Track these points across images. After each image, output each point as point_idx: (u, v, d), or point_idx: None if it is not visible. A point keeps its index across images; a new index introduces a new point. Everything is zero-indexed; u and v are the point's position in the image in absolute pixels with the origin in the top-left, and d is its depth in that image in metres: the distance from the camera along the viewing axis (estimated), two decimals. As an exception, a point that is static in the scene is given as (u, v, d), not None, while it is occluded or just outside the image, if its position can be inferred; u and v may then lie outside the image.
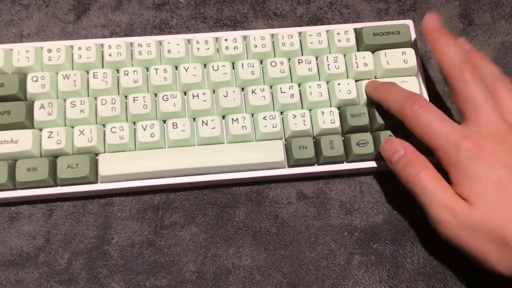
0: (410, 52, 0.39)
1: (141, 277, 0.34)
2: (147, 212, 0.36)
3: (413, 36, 0.40)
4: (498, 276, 0.29)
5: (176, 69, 0.38)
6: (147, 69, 0.38)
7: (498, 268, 0.29)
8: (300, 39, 0.39)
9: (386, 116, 0.37)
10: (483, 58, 0.36)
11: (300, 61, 0.38)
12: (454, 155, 0.30)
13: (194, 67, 0.37)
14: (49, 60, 0.37)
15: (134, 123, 0.36)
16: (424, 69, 0.41)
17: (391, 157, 0.33)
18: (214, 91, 0.37)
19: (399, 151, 0.33)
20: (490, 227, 0.28)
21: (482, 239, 0.29)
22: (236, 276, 0.35)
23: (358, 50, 0.39)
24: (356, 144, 0.36)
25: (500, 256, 0.28)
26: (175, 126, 0.36)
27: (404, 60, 0.38)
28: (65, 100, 0.36)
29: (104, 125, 0.36)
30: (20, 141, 0.34)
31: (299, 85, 0.38)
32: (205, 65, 0.38)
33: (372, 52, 0.39)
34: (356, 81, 0.38)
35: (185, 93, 0.37)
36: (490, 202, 0.29)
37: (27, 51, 0.37)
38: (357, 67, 0.38)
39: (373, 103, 0.37)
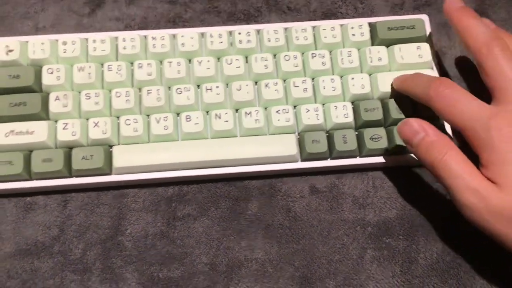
0: (425, 47, 0.38)
1: (154, 268, 0.35)
2: (161, 204, 0.36)
3: (428, 30, 0.39)
4: None
5: (190, 62, 0.38)
6: (161, 62, 0.38)
7: None
8: (314, 33, 0.39)
9: (400, 111, 0.36)
10: (510, 36, 0.35)
11: (313, 55, 0.38)
12: (484, 135, 0.29)
13: (208, 61, 0.37)
14: (64, 52, 0.37)
15: (148, 115, 0.36)
16: (439, 64, 0.41)
17: (411, 140, 0.32)
18: (227, 84, 0.38)
19: (419, 132, 0.31)
20: None
21: (509, 224, 0.28)
22: (249, 268, 0.35)
23: (372, 45, 0.39)
24: (370, 138, 0.36)
25: None
26: (188, 119, 0.36)
27: (419, 55, 0.38)
28: (79, 92, 0.36)
29: (118, 118, 0.36)
30: (36, 132, 0.35)
31: (313, 79, 0.38)
32: (218, 59, 0.38)
33: (387, 47, 0.39)
34: (370, 75, 0.38)
35: (198, 86, 0.37)
36: None
37: (42, 44, 0.37)
38: (371, 62, 0.38)
39: (386, 97, 0.37)
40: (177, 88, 0.37)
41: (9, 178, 0.34)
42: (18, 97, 0.35)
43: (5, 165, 0.34)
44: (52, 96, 0.36)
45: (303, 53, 0.39)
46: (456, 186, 0.29)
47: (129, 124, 0.36)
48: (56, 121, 0.36)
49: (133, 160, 0.35)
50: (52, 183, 0.35)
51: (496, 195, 0.28)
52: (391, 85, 0.37)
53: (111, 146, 0.36)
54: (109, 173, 0.36)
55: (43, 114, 0.36)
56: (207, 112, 0.37)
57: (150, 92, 0.36)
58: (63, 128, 0.35)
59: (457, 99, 0.30)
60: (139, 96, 0.37)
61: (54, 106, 0.36)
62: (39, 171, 0.34)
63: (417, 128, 0.31)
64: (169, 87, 0.37)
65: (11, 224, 0.35)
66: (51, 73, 0.36)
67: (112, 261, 0.35)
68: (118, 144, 0.36)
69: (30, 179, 0.35)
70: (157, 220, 0.36)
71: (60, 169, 0.34)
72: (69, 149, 0.35)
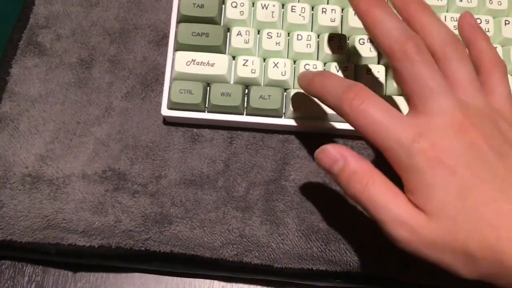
0: None
1: (315, 218, 0.34)
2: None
3: None
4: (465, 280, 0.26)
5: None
6: (342, 9, 0.36)
7: (466, 276, 0.25)
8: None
9: None
10: (430, 16, 0.29)
11: (507, 22, 0.36)
12: (406, 159, 0.25)
13: None
14: (249, -13, 0.36)
15: (325, 63, 0.35)
16: None
17: (331, 169, 0.28)
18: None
19: (338, 160, 0.28)
20: (452, 241, 0.25)
21: (445, 253, 0.25)
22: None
23: None
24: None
25: (466, 266, 0.25)
26: (369, 73, 0.35)
27: None
28: (259, 31, 0.36)
29: (294, 61, 0.35)
30: (216, 64, 0.35)
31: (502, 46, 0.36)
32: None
33: None
34: None
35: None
36: (450, 214, 0.25)
37: (227, -24, 0.36)
38: None
39: None
40: (360, 39, 0.35)
41: (186, 107, 0.34)
42: (201, 27, 0.35)
43: (185, 93, 0.34)
44: (234, 31, 0.35)
45: (494, 18, 0.36)
46: (383, 219, 0.26)
47: (308, 69, 0.35)
48: (233, 57, 0.35)
49: (308, 107, 0.34)
50: (223, 118, 0.35)
51: (425, 225, 0.25)
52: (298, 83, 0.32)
53: (285, 89, 0.35)
54: (281, 116, 0.35)
55: (223, 47, 0.35)
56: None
57: (332, 39, 0.35)
58: (243, 64, 0.35)
59: (374, 117, 0.26)
60: (318, 42, 0.36)
61: (236, 41, 0.35)
62: (217, 104, 0.34)
63: (336, 156, 0.28)
64: (348, 37, 0.36)
65: (178, 152, 0.36)
66: (235, 7, 0.36)
67: (274, 204, 0.35)
68: (294, 88, 0.35)
69: (204, 111, 0.35)
70: (320, 171, 0.35)
71: (238, 105, 0.34)
72: (245, 86, 0.35)
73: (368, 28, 0.28)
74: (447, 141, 0.25)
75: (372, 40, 0.29)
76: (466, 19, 0.32)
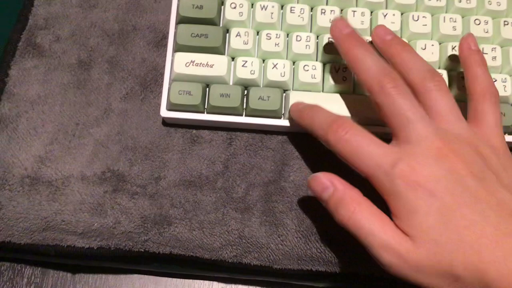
0: None
1: (314, 218, 0.34)
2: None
3: None
4: None
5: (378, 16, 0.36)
6: (341, 10, 0.36)
7: None
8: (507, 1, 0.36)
9: None
10: (410, 53, 0.31)
11: (506, 23, 0.36)
12: (388, 184, 0.27)
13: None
14: (248, -12, 0.36)
15: (324, 64, 0.35)
16: None
17: (321, 195, 0.29)
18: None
19: (328, 188, 0.29)
20: (437, 264, 0.25)
21: (432, 276, 0.25)
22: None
23: None
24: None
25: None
26: (367, 73, 0.35)
27: None
28: (258, 32, 0.36)
29: (293, 62, 0.35)
30: (215, 65, 0.35)
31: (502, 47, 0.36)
32: (402, 14, 0.36)
33: None
34: None
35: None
36: (433, 237, 0.25)
37: (226, -23, 0.36)
38: None
39: None
40: (358, 40, 0.35)
41: (185, 108, 0.34)
42: (200, 28, 0.35)
43: (184, 94, 0.34)
44: (233, 32, 0.35)
45: (493, 18, 0.36)
46: (369, 244, 0.27)
47: (307, 70, 0.35)
48: (232, 58, 0.35)
49: (307, 108, 0.34)
50: (222, 119, 0.35)
51: (410, 250, 0.26)
52: (289, 112, 0.34)
53: (284, 90, 0.35)
54: (280, 117, 0.35)
55: (222, 48, 0.35)
56: (386, 68, 0.35)
57: (331, 40, 0.35)
58: (243, 66, 0.35)
59: (357, 145, 0.28)
60: (317, 43, 0.36)
61: (235, 42, 0.35)
62: (216, 105, 0.34)
63: (326, 183, 0.29)
64: (348, 38, 0.36)
65: (177, 154, 0.36)
66: (234, 8, 0.35)
67: (273, 205, 0.35)
68: (293, 89, 0.35)
69: (204, 112, 0.35)
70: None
71: (237, 106, 0.34)
72: (244, 87, 0.35)
73: (350, 66, 0.31)
74: (426, 166, 0.26)
75: (354, 74, 0.31)
76: (467, 42, 0.32)
